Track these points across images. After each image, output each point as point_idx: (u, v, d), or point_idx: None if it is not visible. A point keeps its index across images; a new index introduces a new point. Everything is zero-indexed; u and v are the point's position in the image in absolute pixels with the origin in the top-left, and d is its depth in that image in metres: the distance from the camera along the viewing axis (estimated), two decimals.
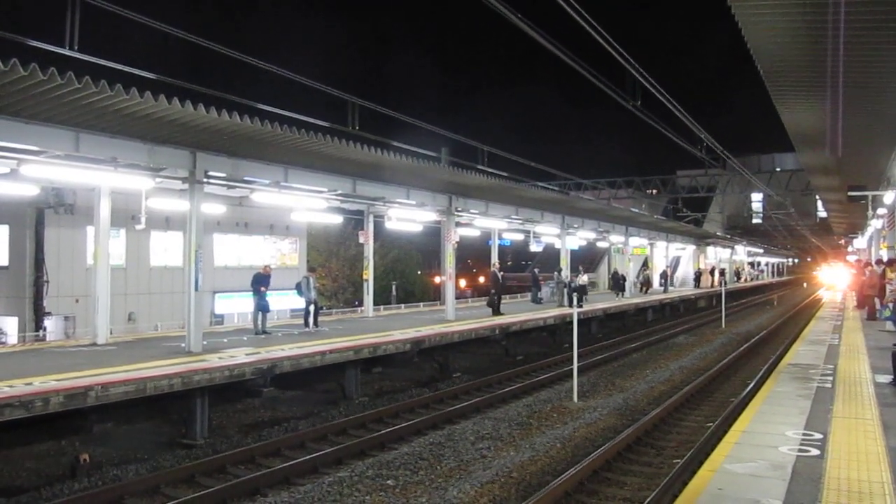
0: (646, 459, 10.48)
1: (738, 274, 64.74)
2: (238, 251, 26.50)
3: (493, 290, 23.73)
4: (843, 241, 56.77)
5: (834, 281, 67.83)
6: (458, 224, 22.73)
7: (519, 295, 36.31)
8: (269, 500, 8.63)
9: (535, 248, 34.08)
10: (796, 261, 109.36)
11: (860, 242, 40.62)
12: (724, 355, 20.77)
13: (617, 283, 35.23)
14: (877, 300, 20.46)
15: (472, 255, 62.01)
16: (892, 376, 10.19)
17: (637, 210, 38.22)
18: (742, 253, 68.68)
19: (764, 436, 7.12)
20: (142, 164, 12.62)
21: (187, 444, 11.02)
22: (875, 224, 26.95)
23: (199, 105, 10.31)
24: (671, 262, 50.59)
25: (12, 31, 9.30)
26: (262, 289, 16.37)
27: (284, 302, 23.46)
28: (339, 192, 17.55)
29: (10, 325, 20.52)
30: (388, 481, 9.29)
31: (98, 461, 10.05)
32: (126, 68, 10.81)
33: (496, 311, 22.54)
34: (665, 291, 39.97)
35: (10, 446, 10.15)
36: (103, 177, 13.11)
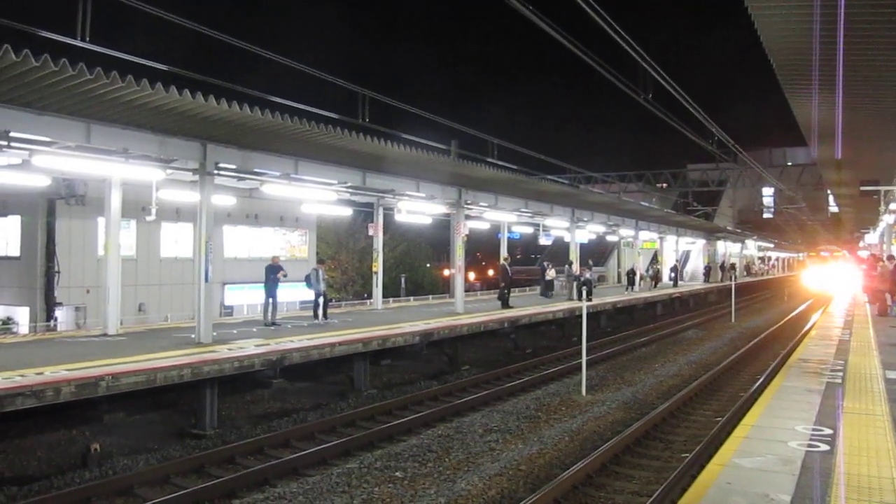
0: (654, 453, 10.47)
1: (748, 268, 64.51)
2: (248, 243, 26.60)
3: (502, 284, 23.74)
4: (855, 236, 56.16)
5: (831, 283, 46.09)
6: (467, 217, 22.71)
7: (528, 288, 36.27)
8: (277, 491, 8.67)
9: (544, 241, 34.03)
10: (807, 255, 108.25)
11: (872, 238, 40.35)
12: (734, 350, 20.72)
13: (629, 277, 35.18)
14: (888, 296, 20.33)
15: (482, 249, 62.03)
16: None
17: (647, 204, 38.07)
18: (752, 248, 68.30)
19: (773, 430, 7.10)
20: (153, 155, 12.66)
21: (197, 435, 11.09)
22: (888, 219, 26.77)
23: (210, 96, 10.33)
24: (681, 256, 50.41)
25: (24, 22, 9.34)
26: (275, 276, 16.41)
27: (294, 294, 23.53)
28: (349, 184, 17.56)
29: (22, 315, 20.70)
30: (397, 473, 9.32)
31: (108, 451, 10.12)
32: (137, 59, 10.86)
33: (505, 305, 22.53)
34: (675, 286, 39.84)
35: (22, 435, 10.24)
36: (114, 168, 13.17)
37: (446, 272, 46.67)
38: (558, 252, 42.34)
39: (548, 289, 29.42)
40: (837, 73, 10.22)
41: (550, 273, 29.97)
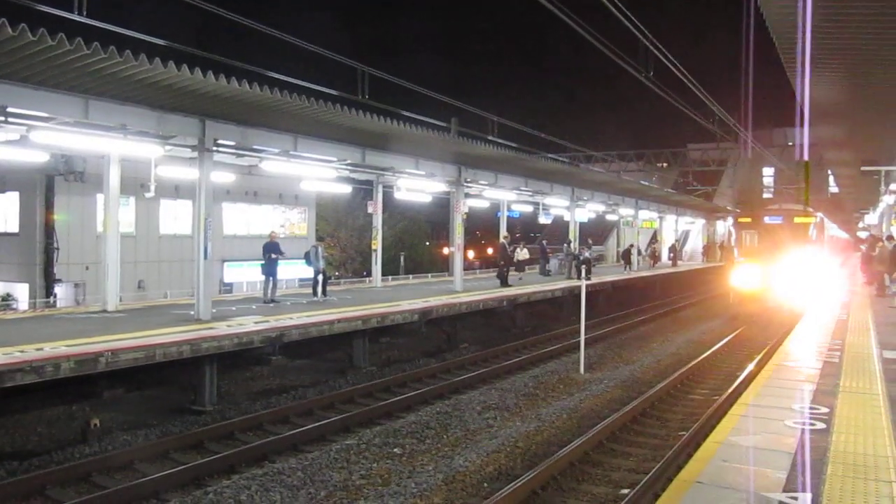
0: (651, 431, 10.53)
1: None
2: (247, 220, 26.58)
3: (501, 262, 23.72)
4: (854, 217, 55.82)
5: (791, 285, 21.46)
6: (467, 195, 22.66)
7: (527, 266, 36.21)
8: (276, 467, 8.73)
9: (543, 220, 33.99)
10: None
11: (871, 218, 40.30)
12: (732, 329, 20.75)
13: (628, 256, 35.12)
14: (887, 276, 20.33)
15: (481, 227, 61.92)
16: None
17: (647, 183, 37.94)
18: None
19: (770, 409, 7.12)
20: (151, 131, 12.61)
21: (196, 411, 11.14)
22: (888, 199, 26.73)
23: (209, 72, 10.25)
24: (680, 235, 50.34)
25: None
26: (273, 256, 16.40)
27: (293, 271, 23.54)
28: (349, 161, 17.50)
29: (21, 291, 20.72)
30: (395, 449, 9.38)
31: (108, 426, 10.18)
32: (135, 34, 10.78)
33: (504, 283, 22.55)
34: (674, 265, 39.83)
35: (22, 411, 10.27)
36: (113, 144, 13.10)
37: (445, 250, 46.67)
38: (558, 231, 42.27)
39: (519, 270, 27.35)
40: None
41: (523, 253, 28.61)
